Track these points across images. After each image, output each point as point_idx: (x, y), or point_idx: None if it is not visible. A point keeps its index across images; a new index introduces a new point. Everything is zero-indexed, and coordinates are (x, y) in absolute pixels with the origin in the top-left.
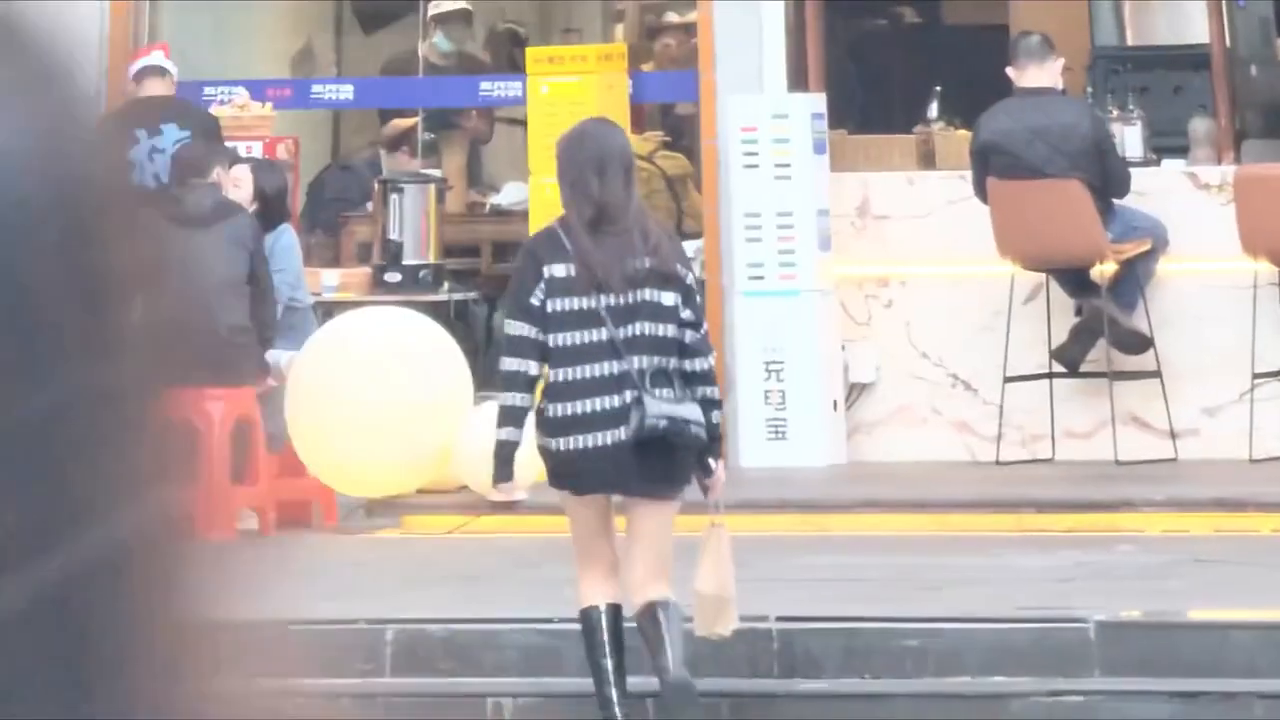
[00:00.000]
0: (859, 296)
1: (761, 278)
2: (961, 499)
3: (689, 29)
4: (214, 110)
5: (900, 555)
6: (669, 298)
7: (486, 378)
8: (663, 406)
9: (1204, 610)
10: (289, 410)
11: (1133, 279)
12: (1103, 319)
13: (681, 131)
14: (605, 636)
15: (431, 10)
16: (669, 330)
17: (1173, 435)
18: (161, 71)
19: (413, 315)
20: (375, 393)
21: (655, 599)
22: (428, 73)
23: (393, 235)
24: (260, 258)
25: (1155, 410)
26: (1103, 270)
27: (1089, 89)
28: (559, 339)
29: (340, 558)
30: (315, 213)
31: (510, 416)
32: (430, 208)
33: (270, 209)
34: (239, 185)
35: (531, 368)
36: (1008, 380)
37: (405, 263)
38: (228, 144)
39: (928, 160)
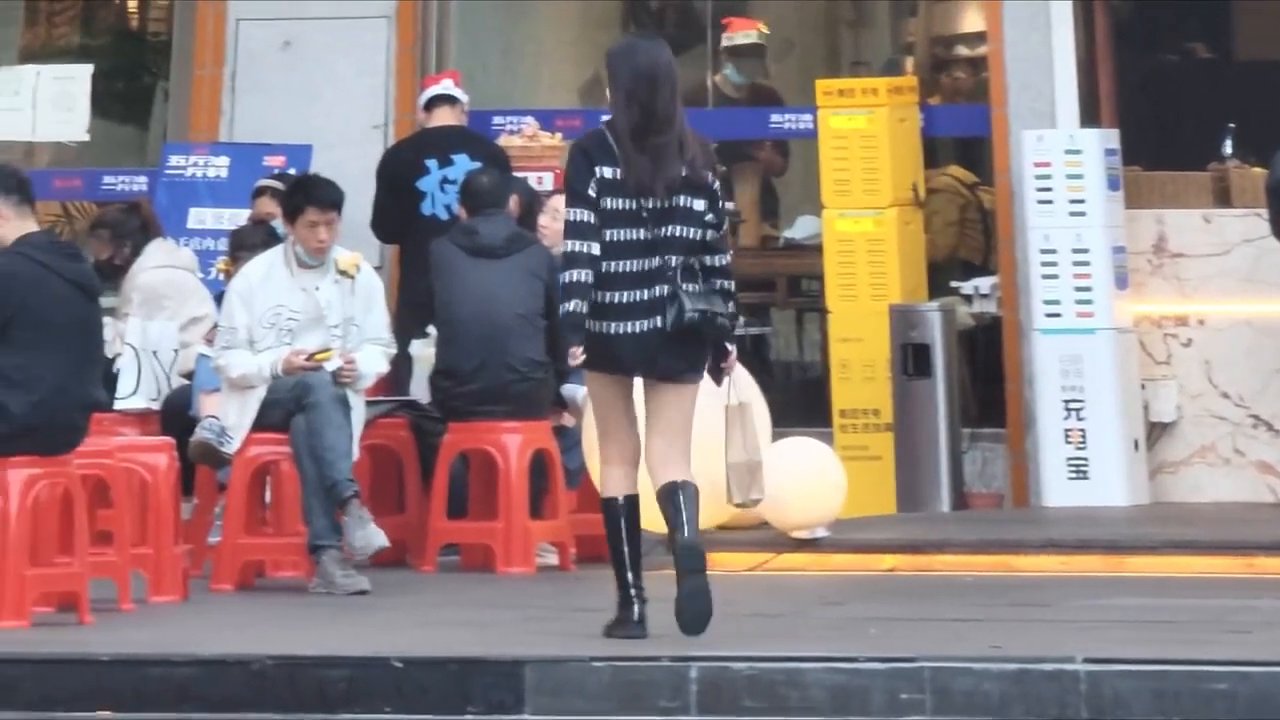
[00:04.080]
0: (1157, 335)
1: (1059, 315)
2: (1267, 541)
3: (977, 62)
4: (503, 140)
5: (1206, 597)
6: (699, 204)
7: (784, 411)
8: (697, 301)
9: None
10: (587, 445)
11: None
12: None
13: (968, 165)
14: (623, 525)
15: (724, 42)
16: (697, 233)
17: None
18: (452, 100)
19: None
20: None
21: (675, 479)
22: (718, 104)
23: None
24: (556, 290)
25: None
26: None
27: None
28: (607, 235)
29: None
30: None
31: (575, 291)
32: None
33: None
34: (557, 216)
35: (593, 248)
36: None
37: None
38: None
39: (1223, 197)
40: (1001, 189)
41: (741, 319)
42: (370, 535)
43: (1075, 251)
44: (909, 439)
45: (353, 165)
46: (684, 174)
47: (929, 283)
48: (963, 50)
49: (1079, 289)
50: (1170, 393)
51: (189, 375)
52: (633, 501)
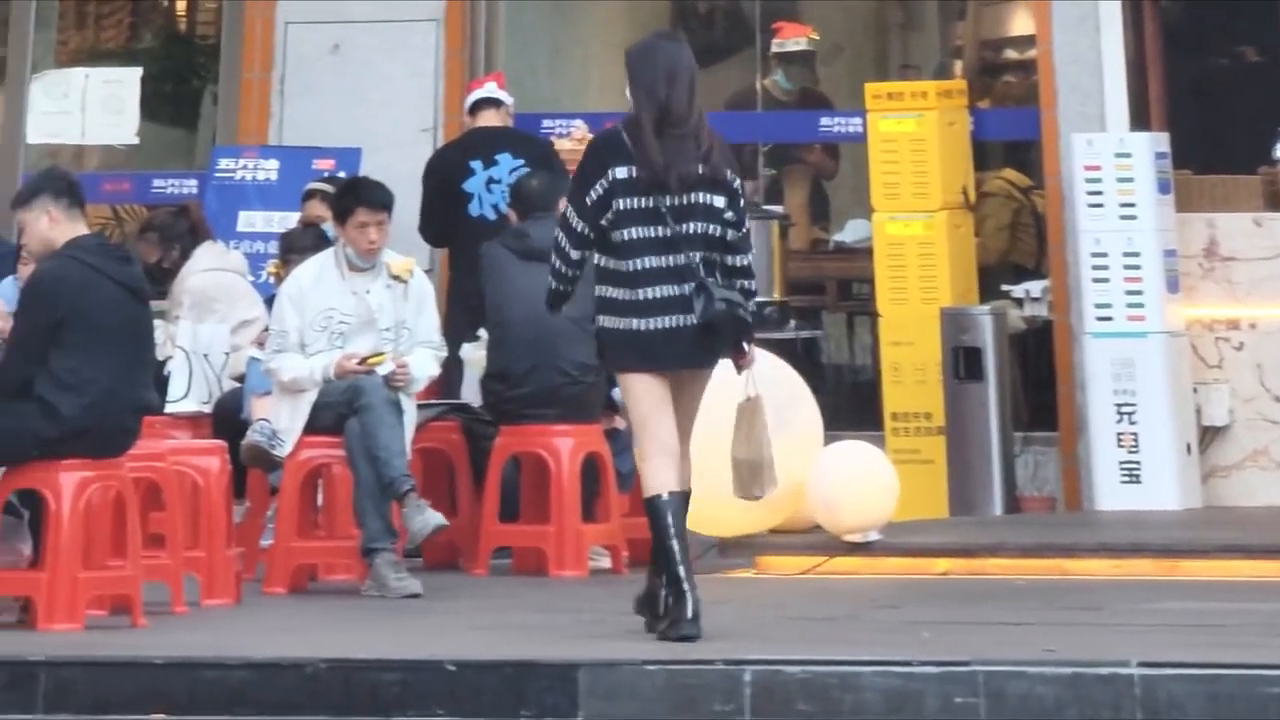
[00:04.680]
0: (1209, 338)
1: (1110, 319)
2: None
3: (1026, 66)
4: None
5: (1260, 601)
6: (719, 200)
7: (836, 415)
8: (723, 293)
9: None
10: (637, 448)
11: None
12: None
13: (1019, 169)
14: (671, 521)
15: (774, 48)
16: (717, 230)
17: None
18: (497, 103)
19: (760, 353)
20: (726, 431)
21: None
22: (767, 107)
23: None
24: None
25: None
26: None
27: None
28: (626, 233)
29: None
30: None
31: (559, 278)
32: (774, 244)
33: None
34: None
35: (573, 253)
36: None
37: None
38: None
39: (1273, 201)
40: (1052, 192)
41: (793, 322)
42: (429, 518)
43: (1126, 255)
44: (961, 442)
45: (402, 168)
46: (700, 170)
47: (979, 286)
48: (1012, 53)
49: (1130, 293)
50: (1222, 396)
51: (240, 378)
52: (678, 497)
